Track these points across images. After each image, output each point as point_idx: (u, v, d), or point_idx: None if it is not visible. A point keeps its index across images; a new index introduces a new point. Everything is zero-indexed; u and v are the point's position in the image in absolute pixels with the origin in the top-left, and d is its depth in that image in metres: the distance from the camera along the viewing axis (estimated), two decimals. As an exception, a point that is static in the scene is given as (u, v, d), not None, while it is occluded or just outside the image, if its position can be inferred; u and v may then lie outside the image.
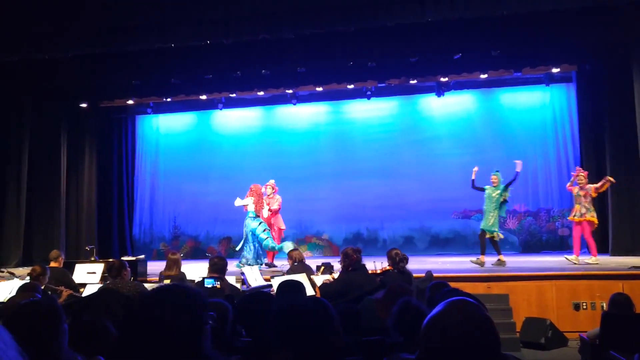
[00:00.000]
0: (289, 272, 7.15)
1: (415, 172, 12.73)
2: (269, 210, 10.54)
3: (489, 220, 9.43)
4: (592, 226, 9.18)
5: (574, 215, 9.29)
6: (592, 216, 9.13)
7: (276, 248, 10.11)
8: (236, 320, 3.57)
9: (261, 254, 10.20)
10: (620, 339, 4.68)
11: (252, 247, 10.09)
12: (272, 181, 10.79)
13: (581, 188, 9.29)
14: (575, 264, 8.94)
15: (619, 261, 9.05)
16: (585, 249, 9.46)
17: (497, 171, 9.73)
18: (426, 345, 1.48)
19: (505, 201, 9.58)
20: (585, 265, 8.71)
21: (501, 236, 9.51)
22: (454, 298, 1.56)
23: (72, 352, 2.45)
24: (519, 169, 9.47)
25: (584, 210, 9.16)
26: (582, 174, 9.47)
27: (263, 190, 10.53)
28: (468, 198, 12.65)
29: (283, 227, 10.78)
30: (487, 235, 9.41)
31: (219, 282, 5.52)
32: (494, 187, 9.59)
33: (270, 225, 10.46)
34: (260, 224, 10.18)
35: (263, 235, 10.09)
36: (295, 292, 3.92)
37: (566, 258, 9.30)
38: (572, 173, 9.79)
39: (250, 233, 10.14)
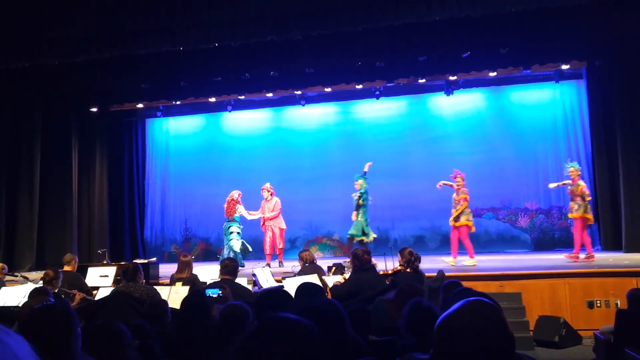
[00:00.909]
0: (300, 273, 7.17)
1: (425, 171, 12.68)
2: (263, 217, 10.75)
3: (354, 225, 9.84)
4: (469, 229, 9.47)
5: (454, 219, 9.52)
6: (468, 219, 9.44)
7: (233, 249, 10.34)
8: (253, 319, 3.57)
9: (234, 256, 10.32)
10: (635, 337, 4.64)
11: (226, 250, 10.46)
12: (267, 184, 10.94)
13: (457, 192, 9.55)
14: (452, 265, 9.17)
15: (633, 258, 8.99)
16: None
17: (361, 176, 10.00)
18: (440, 345, 1.47)
19: (361, 205, 9.83)
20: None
21: (367, 239, 9.79)
22: (469, 299, 1.54)
23: (86, 357, 2.46)
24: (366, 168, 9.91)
25: (460, 214, 9.44)
26: (460, 176, 9.66)
27: (262, 194, 10.84)
28: (479, 196, 12.61)
29: (284, 227, 10.90)
30: (356, 240, 9.71)
31: (221, 291, 5.32)
32: (357, 191, 9.85)
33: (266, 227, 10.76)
34: (229, 227, 10.48)
35: (231, 237, 10.40)
36: (315, 297, 3.90)
37: (444, 260, 9.52)
38: (450, 175, 9.88)
39: (225, 237, 10.60)
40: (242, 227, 10.70)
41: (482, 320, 1.43)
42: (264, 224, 10.83)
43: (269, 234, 10.73)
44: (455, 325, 1.44)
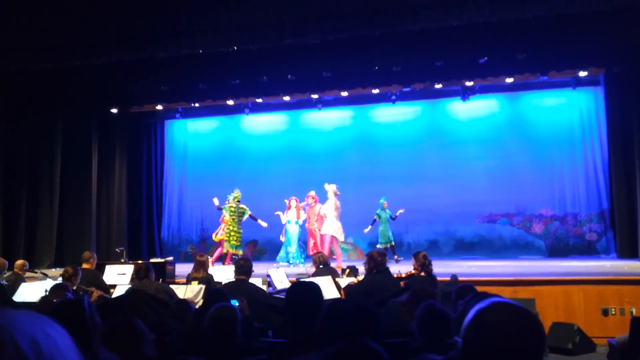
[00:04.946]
0: (314, 275, 7.22)
1: (440, 176, 12.70)
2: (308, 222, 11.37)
3: None
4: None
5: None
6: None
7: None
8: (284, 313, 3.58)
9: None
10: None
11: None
12: (312, 192, 11.37)
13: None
14: None
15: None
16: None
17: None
18: (471, 339, 1.46)
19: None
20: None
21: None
22: (499, 299, 1.56)
23: (107, 352, 2.54)
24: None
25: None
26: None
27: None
28: (493, 202, 12.62)
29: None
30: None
31: (239, 303, 4.62)
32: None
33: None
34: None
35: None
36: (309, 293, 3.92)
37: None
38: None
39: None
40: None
41: (517, 316, 1.44)
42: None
43: (310, 239, 11.26)
44: (490, 320, 1.43)
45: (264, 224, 11.39)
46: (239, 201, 11.11)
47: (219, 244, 11.44)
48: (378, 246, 11.43)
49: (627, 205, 10.81)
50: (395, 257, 11.46)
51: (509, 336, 1.40)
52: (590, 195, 12.13)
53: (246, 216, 11.12)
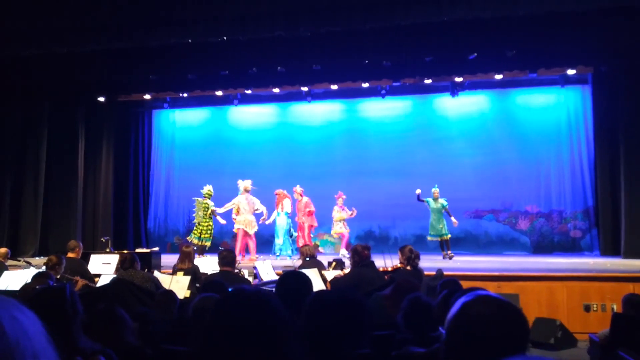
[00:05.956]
0: (300, 267, 7.22)
1: (428, 172, 12.73)
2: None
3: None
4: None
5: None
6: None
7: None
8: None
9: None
10: (630, 340, 4.68)
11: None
12: (297, 187, 11.67)
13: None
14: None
15: (631, 264, 9.02)
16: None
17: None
18: (455, 333, 1.47)
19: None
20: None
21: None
22: (481, 292, 1.56)
23: (89, 341, 2.52)
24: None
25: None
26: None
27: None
28: (480, 198, 12.70)
29: (315, 224, 11.72)
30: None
31: None
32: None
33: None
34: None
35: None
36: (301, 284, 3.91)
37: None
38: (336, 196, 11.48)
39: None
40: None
41: (501, 309, 1.45)
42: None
43: (298, 232, 11.49)
44: (475, 312, 1.44)
45: (222, 222, 11.53)
46: (209, 197, 11.35)
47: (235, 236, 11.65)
48: (428, 238, 11.04)
49: (611, 204, 10.93)
50: (449, 252, 10.66)
51: (493, 328, 1.41)
52: (575, 193, 12.24)
53: (209, 211, 11.24)
